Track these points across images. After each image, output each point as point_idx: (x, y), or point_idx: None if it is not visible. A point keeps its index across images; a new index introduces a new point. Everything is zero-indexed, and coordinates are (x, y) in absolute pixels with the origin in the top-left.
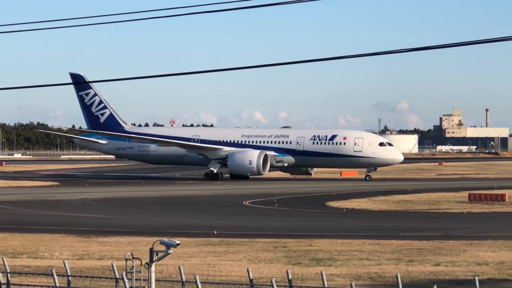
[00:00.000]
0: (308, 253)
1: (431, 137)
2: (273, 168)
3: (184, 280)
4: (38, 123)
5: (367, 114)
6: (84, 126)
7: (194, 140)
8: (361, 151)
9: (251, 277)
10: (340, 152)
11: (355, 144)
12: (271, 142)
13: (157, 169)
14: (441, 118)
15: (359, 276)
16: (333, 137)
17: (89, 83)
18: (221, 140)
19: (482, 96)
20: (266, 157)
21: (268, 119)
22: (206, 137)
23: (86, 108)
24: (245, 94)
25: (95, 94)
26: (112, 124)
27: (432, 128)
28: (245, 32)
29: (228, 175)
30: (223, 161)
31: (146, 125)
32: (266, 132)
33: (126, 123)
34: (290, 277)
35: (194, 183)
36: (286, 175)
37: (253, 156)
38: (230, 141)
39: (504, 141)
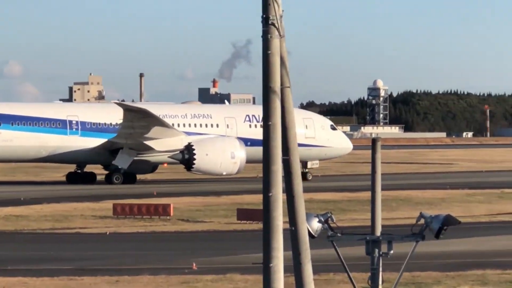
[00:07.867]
0: None
1: None
2: None
3: None
4: None
5: None
6: None
7: (71, 123)
8: (314, 137)
9: None
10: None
11: (306, 127)
12: (186, 124)
13: None
14: None
15: None
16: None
17: None
18: (107, 122)
19: None
20: None
21: None
22: (88, 119)
23: None
24: None
25: None
26: None
27: None
28: None
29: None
30: (182, 153)
31: None
32: (178, 110)
33: None
34: None
35: None
36: None
37: (235, 146)
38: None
39: None
